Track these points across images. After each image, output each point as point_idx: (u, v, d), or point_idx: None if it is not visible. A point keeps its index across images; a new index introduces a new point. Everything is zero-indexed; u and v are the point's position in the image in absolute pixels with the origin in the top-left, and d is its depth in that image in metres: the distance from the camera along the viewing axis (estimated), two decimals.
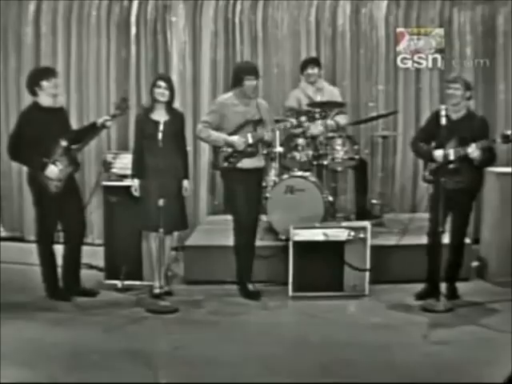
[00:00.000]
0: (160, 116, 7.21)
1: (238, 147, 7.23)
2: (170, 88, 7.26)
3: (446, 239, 7.09)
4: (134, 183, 7.28)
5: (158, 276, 7.24)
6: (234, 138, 7.23)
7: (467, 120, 6.98)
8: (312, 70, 8.56)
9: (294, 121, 7.60)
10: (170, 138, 7.16)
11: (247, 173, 7.29)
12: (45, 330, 6.45)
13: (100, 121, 7.33)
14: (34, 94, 7.15)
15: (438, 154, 6.92)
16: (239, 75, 7.25)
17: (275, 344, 6.17)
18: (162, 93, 7.20)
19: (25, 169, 7.41)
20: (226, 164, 7.31)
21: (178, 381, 5.52)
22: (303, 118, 7.60)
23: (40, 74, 7.20)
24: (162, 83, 7.23)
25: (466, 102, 7.03)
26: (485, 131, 6.99)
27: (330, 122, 8.38)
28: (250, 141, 7.25)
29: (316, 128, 8.24)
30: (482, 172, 7.11)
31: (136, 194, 7.27)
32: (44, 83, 7.09)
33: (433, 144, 7.03)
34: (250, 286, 7.35)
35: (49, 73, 7.22)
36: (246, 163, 7.28)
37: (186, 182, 7.34)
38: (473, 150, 6.80)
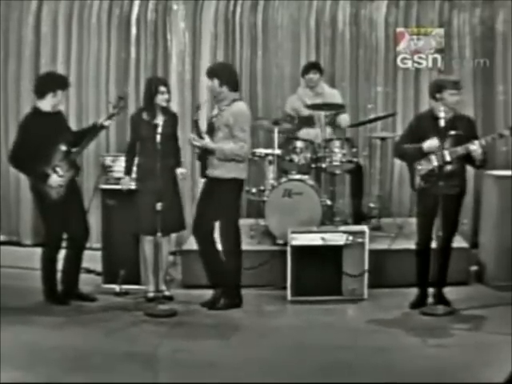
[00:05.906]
0: (157, 118, 7.21)
1: None
2: (169, 90, 7.33)
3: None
4: (125, 180, 7.33)
5: (154, 280, 7.26)
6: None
7: (456, 121, 6.87)
8: (313, 75, 8.58)
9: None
10: (166, 139, 7.15)
11: (209, 180, 7.17)
12: (43, 334, 6.46)
13: (99, 121, 7.36)
14: (40, 97, 7.11)
15: (430, 142, 6.80)
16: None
17: (274, 348, 6.18)
18: (165, 98, 7.24)
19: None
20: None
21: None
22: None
23: (59, 81, 7.20)
24: (163, 88, 7.24)
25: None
26: (473, 130, 6.94)
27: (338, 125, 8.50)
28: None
29: (316, 137, 8.29)
30: (465, 176, 7.04)
31: (124, 187, 7.31)
32: (59, 91, 7.11)
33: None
34: None
35: (67, 83, 7.26)
36: (208, 172, 7.16)
37: (180, 170, 7.36)
38: (477, 147, 6.69)
